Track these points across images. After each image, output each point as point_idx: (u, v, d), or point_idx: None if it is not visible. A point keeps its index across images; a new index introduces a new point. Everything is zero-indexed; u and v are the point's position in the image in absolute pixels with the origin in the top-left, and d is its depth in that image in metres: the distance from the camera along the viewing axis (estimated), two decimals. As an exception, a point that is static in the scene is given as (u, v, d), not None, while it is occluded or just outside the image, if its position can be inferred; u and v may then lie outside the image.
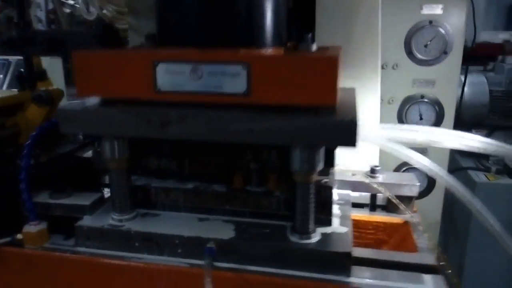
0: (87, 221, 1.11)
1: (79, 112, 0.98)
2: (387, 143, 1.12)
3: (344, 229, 1.05)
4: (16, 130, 1.32)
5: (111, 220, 1.10)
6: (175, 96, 0.95)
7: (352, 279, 0.95)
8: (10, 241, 1.12)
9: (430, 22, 1.75)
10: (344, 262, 0.95)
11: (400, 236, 1.23)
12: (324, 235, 1.01)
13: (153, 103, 0.96)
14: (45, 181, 1.20)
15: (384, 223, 1.25)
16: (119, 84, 0.97)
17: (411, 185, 1.23)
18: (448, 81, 1.83)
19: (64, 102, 1.40)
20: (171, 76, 0.94)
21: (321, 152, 0.93)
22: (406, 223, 1.24)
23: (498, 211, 1.11)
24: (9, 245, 1.11)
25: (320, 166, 0.94)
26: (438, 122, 1.81)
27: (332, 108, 0.91)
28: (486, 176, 2.54)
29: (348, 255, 0.95)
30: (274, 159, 1.06)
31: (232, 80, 0.90)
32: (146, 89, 0.95)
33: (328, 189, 1.04)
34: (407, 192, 1.23)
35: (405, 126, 1.17)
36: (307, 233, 1.00)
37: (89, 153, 1.36)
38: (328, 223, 1.06)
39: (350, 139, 0.86)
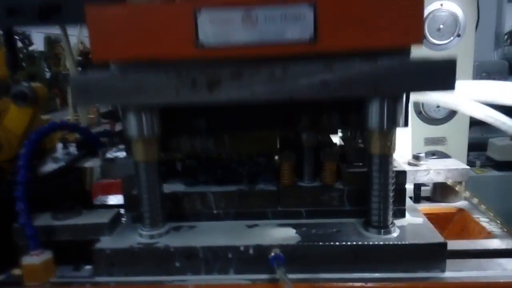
0: (107, 243, 0.88)
1: (100, 79, 0.77)
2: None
3: (419, 220, 0.92)
4: (-8, 145, 1.06)
5: (139, 237, 0.88)
6: (223, 51, 0.76)
7: (450, 274, 0.81)
8: (5, 279, 0.86)
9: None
10: (439, 255, 0.81)
11: (457, 225, 1.12)
12: (403, 228, 0.87)
13: (193, 63, 0.77)
14: (43, 200, 0.95)
15: (436, 214, 1.14)
16: (150, 41, 0.76)
17: (462, 169, 1.13)
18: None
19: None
20: (217, 26, 0.75)
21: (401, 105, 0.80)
22: (461, 210, 1.13)
23: (491, 203, 1.10)
24: (4, 285, 0.85)
25: (401, 123, 0.80)
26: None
27: (408, 51, 0.78)
28: (473, 170, 2.56)
29: (443, 246, 0.81)
30: (334, 124, 0.91)
31: (295, 24, 0.74)
32: (185, 44, 0.75)
33: (402, 174, 0.90)
34: (458, 177, 1.13)
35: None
36: (386, 227, 0.85)
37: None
38: (402, 214, 0.92)
39: (448, 81, 0.73)
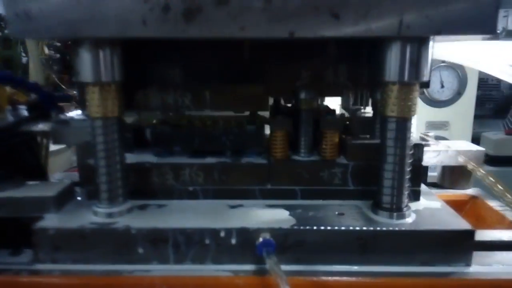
0: (52, 221, 0.70)
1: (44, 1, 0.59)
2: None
3: (436, 203, 0.77)
4: None
5: (94, 216, 0.70)
6: None
7: (477, 268, 0.66)
8: None
9: None
10: (465, 245, 0.66)
11: (470, 214, 0.97)
12: (419, 213, 0.72)
13: None
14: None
15: (446, 201, 0.99)
16: None
17: (476, 151, 0.99)
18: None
19: None
20: None
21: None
22: (473, 197, 0.99)
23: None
24: None
25: (426, 75, 0.65)
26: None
27: None
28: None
29: (470, 234, 0.66)
30: (340, 80, 0.75)
31: None
32: None
33: (419, 148, 0.75)
34: (473, 160, 0.98)
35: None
36: (400, 210, 0.69)
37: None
38: (417, 197, 0.77)
39: (489, 23, 0.58)
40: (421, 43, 0.61)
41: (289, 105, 0.90)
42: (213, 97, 0.76)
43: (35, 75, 0.97)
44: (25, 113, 0.97)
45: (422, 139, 1.02)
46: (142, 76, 0.75)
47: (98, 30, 0.60)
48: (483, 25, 0.58)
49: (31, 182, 0.78)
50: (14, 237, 0.74)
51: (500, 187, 0.90)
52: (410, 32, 0.58)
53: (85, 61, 0.63)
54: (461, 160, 0.95)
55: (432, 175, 1.10)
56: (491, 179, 0.91)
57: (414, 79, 0.63)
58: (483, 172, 0.93)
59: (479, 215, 0.96)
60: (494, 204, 0.95)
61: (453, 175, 1.04)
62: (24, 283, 0.65)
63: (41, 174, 1.06)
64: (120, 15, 0.59)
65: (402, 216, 0.69)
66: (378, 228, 0.66)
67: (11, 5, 0.59)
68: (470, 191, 1.02)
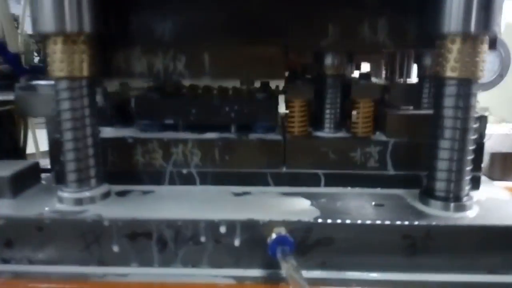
0: (5, 208, 0.54)
1: None
2: None
3: (503, 194, 0.59)
4: None
5: (57, 202, 0.54)
6: None
7: None
8: None
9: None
10: (552, 247, 0.49)
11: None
12: (482, 204, 0.54)
13: None
14: None
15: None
16: None
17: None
18: None
19: None
20: None
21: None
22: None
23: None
24: None
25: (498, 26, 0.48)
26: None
27: None
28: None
29: (557, 232, 0.49)
30: (379, 39, 0.57)
31: None
32: None
33: (483, 121, 0.58)
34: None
35: None
36: (459, 199, 0.52)
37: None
38: (476, 185, 0.59)
39: None
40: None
41: (309, 76, 0.73)
42: (214, 61, 0.59)
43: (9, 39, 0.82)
44: (-8, 82, 0.82)
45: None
46: (123, 31, 0.59)
47: None
48: None
49: (-15, 161, 0.62)
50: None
51: None
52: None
53: (43, 3, 0.48)
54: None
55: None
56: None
57: (483, 30, 0.46)
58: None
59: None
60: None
61: (504, 164, 0.86)
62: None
63: (18, 158, 0.91)
64: None
65: (462, 208, 0.52)
66: (433, 223, 0.49)
67: None
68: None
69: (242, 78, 0.66)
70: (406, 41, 0.58)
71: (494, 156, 0.87)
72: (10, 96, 0.76)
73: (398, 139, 0.59)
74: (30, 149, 1.08)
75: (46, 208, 0.53)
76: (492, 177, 0.87)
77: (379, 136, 0.61)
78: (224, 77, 0.62)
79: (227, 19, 0.59)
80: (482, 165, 0.86)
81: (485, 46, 0.49)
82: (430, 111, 0.57)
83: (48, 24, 0.50)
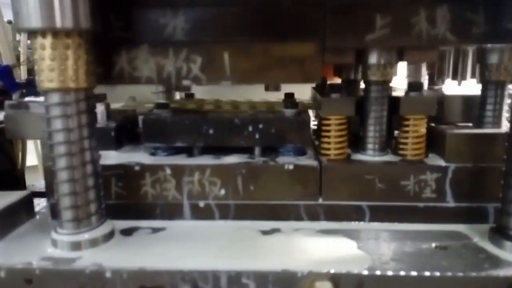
0: (-11, 255, 0.45)
1: None
2: None
3: None
4: None
5: (51, 247, 0.45)
6: None
7: None
8: None
9: None
10: None
11: None
12: None
13: None
14: None
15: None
16: None
17: None
18: None
19: None
20: None
21: None
22: None
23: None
24: None
25: None
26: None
27: None
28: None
29: None
30: (438, 33, 0.47)
31: None
32: None
33: None
34: None
35: None
36: (544, 242, 0.42)
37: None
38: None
39: None
40: None
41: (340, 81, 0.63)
42: (236, 62, 0.49)
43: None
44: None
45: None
46: (127, 28, 0.49)
47: None
48: None
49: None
50: None
51: None
52: None
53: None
54: None
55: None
56: None
57: None
58: None
59: None
60: None
61: None
62: None
63: (15, 182, 0.83)
64: None
65: (547, 251, 0.42)
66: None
67: None
68: None
69: (269, 83, 0.56)
70: (472, 36, 0.47)
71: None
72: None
73: (460, 164, 0.49)
74: (32, 161, 1.00)
75: (37, 255, 0.44)
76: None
77: (436, 160, 0.50)
78: (247, 81, 0.52)
79: (251, 12, 0.49)
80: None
81: None
82: (497, 130, 0.48)
83: (34, 18, 0.40)
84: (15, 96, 0.61)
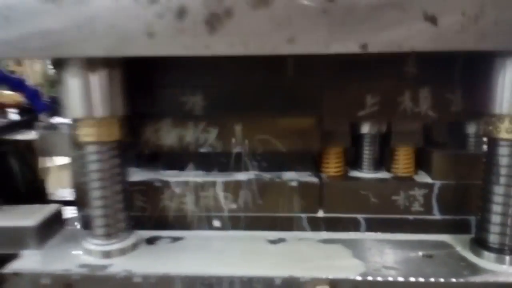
0: (31, 262, 0.51)
1: None
2: None
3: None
4: None
5: (85, 255, 0.52)
6: None
7: None
8: None
9: None
10: None
11: None
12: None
13: None
14: None
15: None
16: None
17: None
18: None
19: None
20: None
21: None
22: None
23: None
24: None
25: None
26: None
27: None
28: None
29: None
30: (421, 110, 0.54)
31: None
32: None
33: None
34: None
35: None
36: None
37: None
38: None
39: None
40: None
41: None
42: (246, 132, 0.57)
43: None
44: (13, 117, 0.80)
45: None
46: (152, 104, 0.57)
47: (87, 47, 0.42)
48: None
49: (8, 206, 0.60)
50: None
51: None
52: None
53: (72, 89, 0.46)
54: None
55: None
56: None
57: None
58: None
59: None
60: None
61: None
62: None
63: (38, 191, 0.89)
64: (117, 25, 0.41)
65: (519, 262, 0.48)
66: (492, 279, 0.45)
67: None
68: None
69: (274, 150, 0.62)
70: (450, 113, 0.54)
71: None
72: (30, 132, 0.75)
73: (445, 181, 0.55)
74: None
75: (74, 263, 0.51)
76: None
77: (423, 178, 0.57)
78: (256, 150, 0.59)
79: (258, 91, 0.56)
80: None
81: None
82: (478, 151, 0.54)
83: (77, 110, 0.48)
84: (43, 116, 0.68)
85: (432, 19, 0.39)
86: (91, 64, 0.46)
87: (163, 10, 0.41)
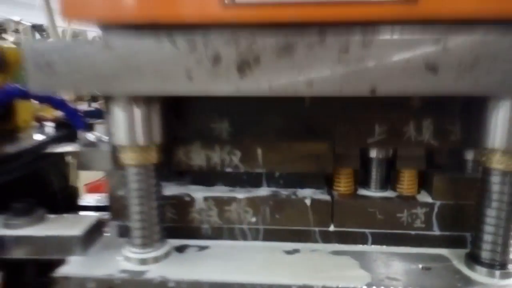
0: (77, 267, 0.59)
1: (69, 47, 0.49)
2: None
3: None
4: None
5: (125, 262, 0.59)
6: (264, 11, 0.48)
7: None
8: None
9: None
10: None
11: None
12: (526, 269, 0.56)
13: (216, 30, 0.49)
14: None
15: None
16: None
17: None
18: None
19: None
20: None
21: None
22: None
23: None
24: None
25: None
26: None
27: None
28: None
29: None
30: (423, 139, 0.60)
31: None
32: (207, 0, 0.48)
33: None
34: None
35: None
36: (504, 267, 0.55)
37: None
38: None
39: None
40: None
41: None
42: (267, 155, 0.64)
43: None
44: (52, 131, 0.88)
45: None
46: (183, 129, 0.64)
47: (133, 86, 0.49)
48: None
49: (53, 216, 0.68)
50: (33, 280, 0.64)
51: None
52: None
53: (119, 121, 0.54)
54: None
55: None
56: None
57: None
58: None
59: None
60: None
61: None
62: None
63: (70, 197, 0.97)
64: (160, 68, 0.48)
65: (507, 275, 0.54)
66: (482, 294, 0.52)
67: (32, 55, 0.49)
68: None
69: (291, 171, 0.67)
70: (450, 142, 0.61)
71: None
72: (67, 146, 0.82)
73: (445, 201, 0.61)
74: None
75: (116, 268, 0.58)
76: None
77: (425, 197, 0.63)
78: (275, 170, 0.66)
79: (279, 119, 0.63)
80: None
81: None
82: (475, 174, 0.60)
83: (122, 138, 0.55)
84: (81, 133, 0.75)
85: (433, 69, 0.46)
86: (136, 99, 0.53)
87: (201, 57, 0.47)
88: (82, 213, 0.88)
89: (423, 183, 0.65)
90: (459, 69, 0.46)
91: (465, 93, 0.47)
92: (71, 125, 0.84)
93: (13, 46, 0.85)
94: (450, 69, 0.46)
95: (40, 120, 0.91)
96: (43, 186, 0.83)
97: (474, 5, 0.47)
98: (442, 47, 0.45)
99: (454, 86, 0.46)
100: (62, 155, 0.87)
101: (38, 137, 0.84)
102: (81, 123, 0.78)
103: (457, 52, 0.45)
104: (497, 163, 0.52)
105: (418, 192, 0.65)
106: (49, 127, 0.89)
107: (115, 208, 0.67)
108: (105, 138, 0.71)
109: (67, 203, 0.93)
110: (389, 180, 0.66)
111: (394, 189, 0.65)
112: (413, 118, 0.60)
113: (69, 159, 0.93)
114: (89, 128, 0.82)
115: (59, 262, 0.61)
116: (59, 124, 0.89)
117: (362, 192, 0.66)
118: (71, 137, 0.83)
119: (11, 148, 0.74)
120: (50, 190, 0.86)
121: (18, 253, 0.63)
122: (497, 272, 0.54)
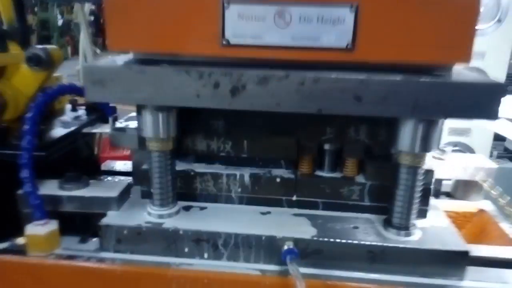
0: (115, 218, 0.85)
1: (116, 71, 0.72)
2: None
3: (444, 222, 0.87)
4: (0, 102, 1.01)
5: (148, 215, 0.85)
6: (251, 51, 0.71)
7: (468, 283, 0.77)
8: (8, 247, 0.84)
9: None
10: (460, 263, 0.77)
11: (476, 226, 1.07)
12: (425, 231, 0.82)
13: (216, 63, 0.72)
14: (50, 167, 0.91)
15: (456, 212, 1.09)
16: (170, 34, 0.71)
17: (489, 168, 1.07)
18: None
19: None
20: (246, 23, 0.69)
21: (440, 126, 0.74)
22: (481, 211, 1.09)
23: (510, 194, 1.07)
24: (7, 253, 0.83)
25: (436, 145, 0.75)
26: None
27: (450, 70, 0.73)
28: (491, 162, 2.50)
29: (465, 254, 0.77)
30: (360, 138, 0.85)
31: (332, 28, 0.67)
32: (210, 41, 0.71)
33: (429, 174, 0.85)
34: (484, 175, 1.07)
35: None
36: (407, 229, 0.80)
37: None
38: (423, 215, 0.87)
39: (492, 110, 0.67)
40: (431, 122, 0.72)
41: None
42: (251, 145, 0.88)
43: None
44: (83, 114, 1.12)
45: (441, 151, 1.10)
46: (192, 126, 0.88)
47: (160, 101, 0.73)
48: (486, 112, 0.67)
49: (94, 181, 0.93)
50: (81, 227, 0.89)
51: (502, 200, 1.00)
52: (421, 115, 0.70)
53: (147, 121, 0.77)
54: (477, 179, 1.04)
55: (447, 183, 1.18)
56: (495, 192, 1.01)
57: (424, 151, 0.74)
58: (497, 193, 1.03)
59: (484, 228, 1.05)
60: (498, 219, 1.04)
61: (466, 187, 1.13)
62: (92, 269, 0.81)
63: (95, 165, 1.22)
64: (179, 90, 0.71)
65: (408, 234, 0.80)
66: (385, 244, 0.78)
67: (89, 75, 0.72)
68: (480, 203, 1.11)
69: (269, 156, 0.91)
70: (379, 141, 0.84)
71: (458, 181, 1.14)
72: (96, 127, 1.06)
73: (374, 182, 0.86)
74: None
75: (142, 220, 0.84)
76: (456, 197, 1.15)
77: (361, 179, 0.88)
78: (257, 156, 0.90)
79: (260, 121, 0.85)
80: (451, 189, 1.13)
81: (425, 156, 0.76)
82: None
83: (148, 133, 0.79)
84: (111, 119, 0.98)
85: (358, 98, 0.69)
86: (160, 108, 0.76)
87: (206, 83, 0.71)
88: (109, 178, 1.12)
89: (361, 168, 0.90)
90: (375, 100, 0.69)
91: (380, 115, 0.71)
92: (99, 109, 1.08)
93: (55, 47, 1.07)
94: (370, 99, 0.69)
95: (74, 104, 1.14)
96: (79, 157, 1.08)
97: (391, 55, 0.69)
98: (365, 84, 0.68)
99: (372, 111, 0.69)
100: (92, 135, 1.11)
101: (74, 119, 1.08)
102: (109, 110, 1.01)
103: (374, 88, 0.68)
104: (404, 160, 0.76)
105: (357, 174, 0.90)
106: (82, 110, 1.12)
107: (139, 177, 0.92)
108: (132, 123, 0.95)
109: (94, 168, 1.18)
110: (338, 165, 0.91)
111: (341, 171, 0.90)
112: (353, 124, 0.84)
113: (96, 135, 1.17)
114: (115, 112, 1.05)
115: (100, 215, 0.86)
116: (89, 108, 1.12)
117: (318, 173, 0.90)
118: (100, 120, 1.07)
119: (60, 131, 0.99)
120: (84, 159, 1.11)
121: (70, 208, 0.88)
122: (402, 232, 0.80)
